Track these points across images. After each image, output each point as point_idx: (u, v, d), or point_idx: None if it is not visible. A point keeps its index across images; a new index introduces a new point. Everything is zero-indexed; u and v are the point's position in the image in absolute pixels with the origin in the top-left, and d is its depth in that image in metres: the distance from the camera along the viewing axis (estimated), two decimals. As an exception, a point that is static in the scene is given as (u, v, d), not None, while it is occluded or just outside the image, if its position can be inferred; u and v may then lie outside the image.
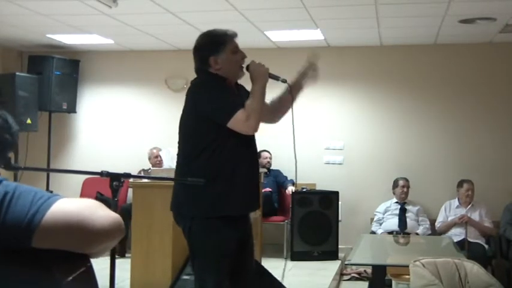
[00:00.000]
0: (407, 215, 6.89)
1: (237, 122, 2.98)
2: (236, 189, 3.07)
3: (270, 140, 6.62)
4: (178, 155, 3.18)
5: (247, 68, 3.15)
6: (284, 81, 3.23)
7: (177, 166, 3.18)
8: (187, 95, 3.14)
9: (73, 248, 1.10)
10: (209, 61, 3.09)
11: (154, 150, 7.26)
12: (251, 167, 3.20)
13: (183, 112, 3.15)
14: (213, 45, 3.10)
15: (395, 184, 7.06)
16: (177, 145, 3.19)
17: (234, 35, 3.17)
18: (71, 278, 1.12)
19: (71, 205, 1.11)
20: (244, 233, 3.19)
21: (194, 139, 3.10)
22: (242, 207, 3.15)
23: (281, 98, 3.37)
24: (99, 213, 1.12)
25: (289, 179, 7.33)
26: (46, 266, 1.10)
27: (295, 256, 6.77)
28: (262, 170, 5.90)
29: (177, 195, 3.15)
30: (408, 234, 6.67)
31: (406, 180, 7.04)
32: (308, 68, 3.38)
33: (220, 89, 3.07)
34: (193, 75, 3.21)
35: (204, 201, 3.02)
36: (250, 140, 3.19)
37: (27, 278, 1.08)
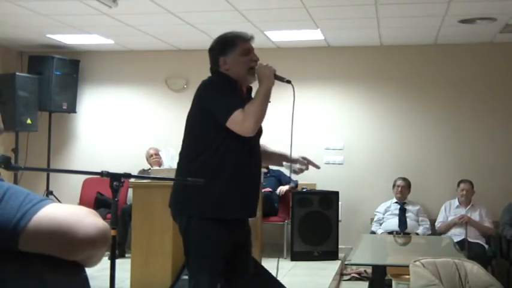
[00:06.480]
0: (407, 215, 6.88)
1: (234, 122, 2.98)
2: (234, 193, 3.06)
3: (270, 139, 6.59)
4: (180, 153, 3.18)
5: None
6: (289, 82, 3.23)
7: (178, 164, 3.19)
8: (195, 93, 3.16)
9: (56, 254, 1.12)
10: (219, 61, 3.14)
11: (151, 151, 7.27)
12: (252, 173, 3.19)
13: (190, 110, 3.17)
14: (224, 46, 3.16)
15: (394, 184, 7.07)
16: (178, 144, 3.20)
17: (247, 37, 3.19)
18: (62, 284, 1.13)
19: (58, 211, 1.12)
20: (241, 237, 3.17)
21: (196, 137, 3.11)
22: (238, 212, 3.14)
23: (270, 155, 3.58)
24: (85, 221, 1.12)
25: (294, 179, 7.27)
26: (37, 269, 1.11)
27: (295, 256, 6.76)
28: (262, 170, 5.88)
29: (176, 193, 3.16)
30: (408, 234, 6.67)
31: (405, 180, 7.04)
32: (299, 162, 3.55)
33: (226, 89, 3.09)
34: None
35: (201, 201, 3.02)
36: (254, 145, 3.19)
37: (17, 278, 1.09)
